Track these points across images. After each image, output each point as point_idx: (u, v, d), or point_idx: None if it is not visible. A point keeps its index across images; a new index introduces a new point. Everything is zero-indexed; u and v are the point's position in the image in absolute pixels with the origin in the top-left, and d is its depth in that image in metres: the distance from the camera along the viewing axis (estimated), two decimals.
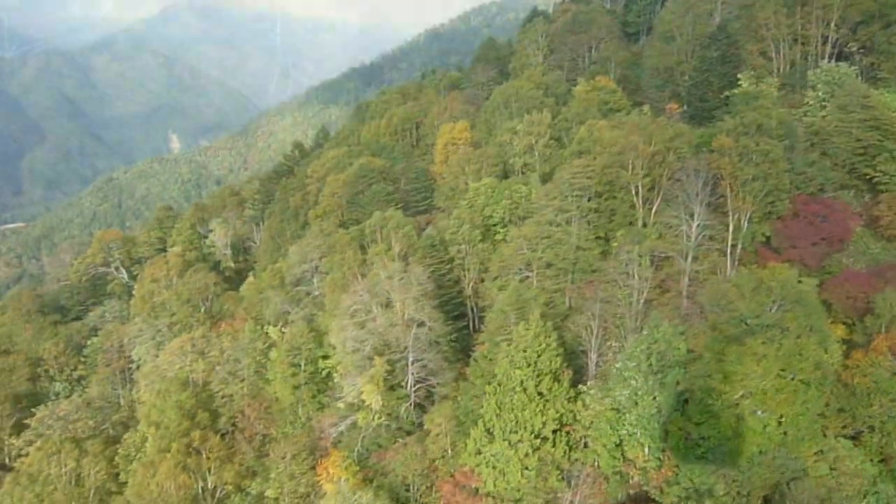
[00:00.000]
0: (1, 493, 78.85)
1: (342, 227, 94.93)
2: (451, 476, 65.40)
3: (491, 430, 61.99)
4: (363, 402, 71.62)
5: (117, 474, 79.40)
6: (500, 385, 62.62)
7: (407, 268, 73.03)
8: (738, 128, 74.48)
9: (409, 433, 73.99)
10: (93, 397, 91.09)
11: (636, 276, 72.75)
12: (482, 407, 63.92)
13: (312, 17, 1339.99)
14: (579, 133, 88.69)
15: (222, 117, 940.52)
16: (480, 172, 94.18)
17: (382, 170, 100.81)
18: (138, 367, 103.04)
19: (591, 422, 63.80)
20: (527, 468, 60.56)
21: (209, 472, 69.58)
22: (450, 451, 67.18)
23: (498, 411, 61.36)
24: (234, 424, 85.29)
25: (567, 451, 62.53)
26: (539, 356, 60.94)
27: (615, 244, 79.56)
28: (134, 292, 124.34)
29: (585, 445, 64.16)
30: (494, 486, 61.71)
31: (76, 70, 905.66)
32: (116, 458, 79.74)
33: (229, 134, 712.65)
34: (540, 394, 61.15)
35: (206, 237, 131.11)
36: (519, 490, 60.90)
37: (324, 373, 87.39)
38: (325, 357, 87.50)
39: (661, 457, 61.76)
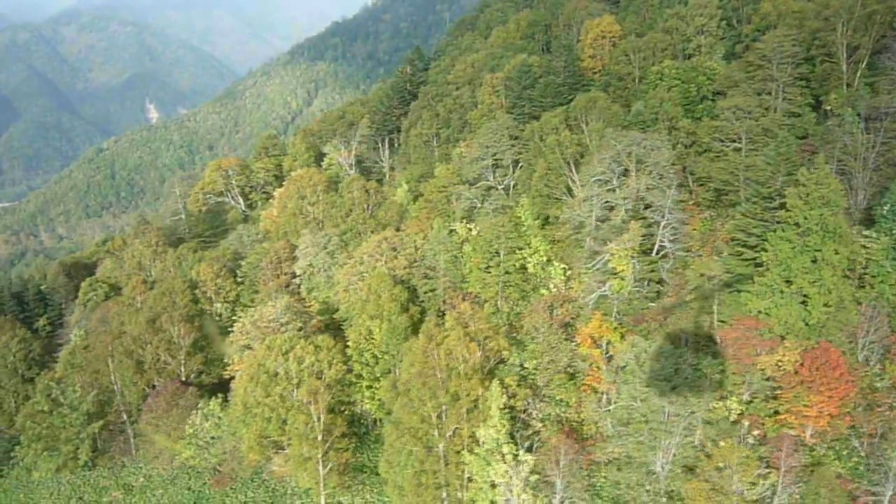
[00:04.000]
0: (239, 392, 78.75)
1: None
2: (728, 323, 66.90)
3: (783, 273, 63.20)
4: (614, 269, 72.45)
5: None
6: (782, 229, 63.72)
7: (647, 135, 73.34)
8: None
9: (650, 300, 75.19)
10: (290, 303, 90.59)
11: (860, 132, 74.15)
12: (762, 254, 65.14)
13: None
14: (763, 8, 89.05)
15: (198, 83, 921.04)
16: (651, 58, 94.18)
17: (542, 64, 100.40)
18: (300, 282, 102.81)
19: (867, 261, 65.66)
20: (827, 305, 62.09)
21: (479, 343, 70.05)
22: (716, 305, 68.53)
23: (792, 254, 62.47)
24: (440, 316, 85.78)
25: (854, 291, 64.24)
26: (831, 195, 62.02)
27: (828, 107, 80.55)
28: (263, 215, 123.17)
29: (862, 286, 66.01)
30: (785, 325, 63.25)
31: (44, 44, 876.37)
32: (348, 351, 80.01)
33: (209, 99, 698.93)
34: (831, 232, 62.34)
35: (321, 160, 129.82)
36: (819, 327, 62.55)
37: (518, 264, 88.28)
38: (520, 248, 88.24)
39: None
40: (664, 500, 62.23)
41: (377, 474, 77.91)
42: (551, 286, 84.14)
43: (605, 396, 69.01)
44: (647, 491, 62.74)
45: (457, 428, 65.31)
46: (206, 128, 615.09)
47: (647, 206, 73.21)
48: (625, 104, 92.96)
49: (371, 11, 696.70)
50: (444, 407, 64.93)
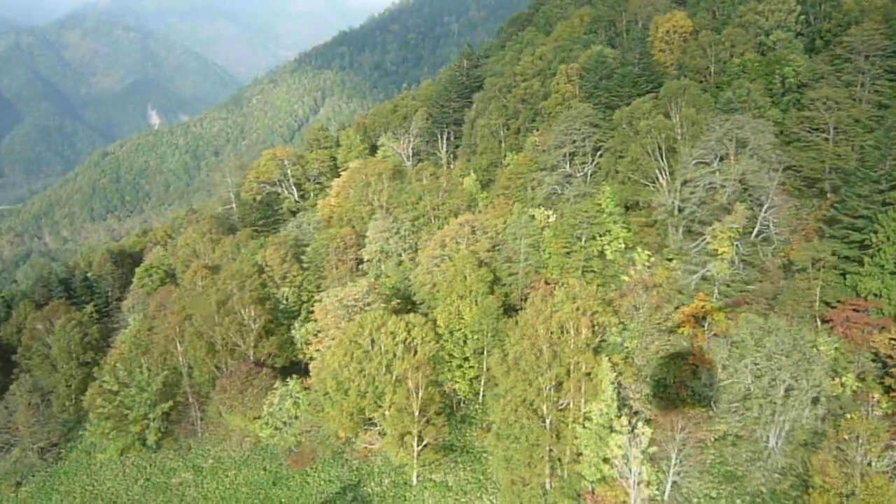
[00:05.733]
0: (332, 367, 78.37)
1: None
2: (834, 305, 67.50)
3: (895, 254, 63.91)
4: (715, 251, 72.95)
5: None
6: (895, 210, 64.49)
7: (747, 118, 74.23)
8: None
9: (747, 283, 75.66)
10: (371, 283, 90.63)
11: None
12: (871, 236, 65.85)
13: None
14: (845, 5, 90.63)
15: (200, 90, 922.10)
16: (727, 52, 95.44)
17: (616, 56, 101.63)
18: (367, 268, 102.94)
19: None
20: None
21: (590, 318, 70.18)
22: (819, 287, 69.11)
23: None
24: (524, 300, 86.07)
25: None
26: None
27: None
28: (321, 204, 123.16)
29: None
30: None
31: (48, 48, 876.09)
32: (438, 330, 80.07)
33: (211, 106, 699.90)
34: None
35: (374, 152, 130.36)
36: None
37: (597, 250, 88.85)
38: (601, 235, 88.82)
39: None
40: (777, 476, 62.42)
41: (468, 453, 77.91)
42: (632, 272, 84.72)
43: (706, 374, 69.29)
44: (761, 466, 62.94)
45: (568, 402, 65.36)
46: (211, 133, 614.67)
47: (745, 189, 73.94)
48: None
49: (378, 22, 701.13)
50: (553, 382, 64.93)
